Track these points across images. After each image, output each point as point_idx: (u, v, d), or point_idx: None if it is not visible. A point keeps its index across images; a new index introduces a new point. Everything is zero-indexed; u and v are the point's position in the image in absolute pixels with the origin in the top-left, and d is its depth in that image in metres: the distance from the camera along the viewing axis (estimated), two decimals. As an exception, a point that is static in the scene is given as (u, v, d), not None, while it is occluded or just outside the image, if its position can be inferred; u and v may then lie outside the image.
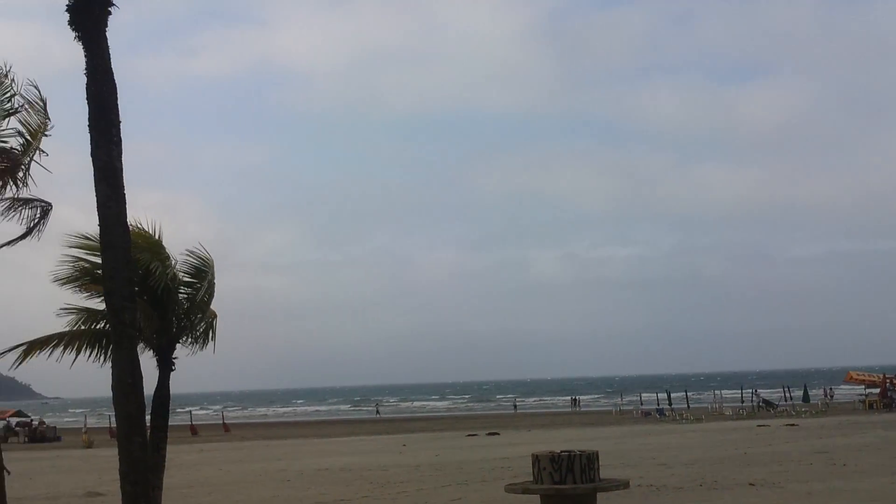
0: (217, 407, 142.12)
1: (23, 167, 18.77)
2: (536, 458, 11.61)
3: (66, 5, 12.10)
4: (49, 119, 19.16)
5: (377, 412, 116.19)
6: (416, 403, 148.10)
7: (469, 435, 54.97)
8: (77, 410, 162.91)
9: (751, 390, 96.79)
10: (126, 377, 12.09)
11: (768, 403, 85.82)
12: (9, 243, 19.45)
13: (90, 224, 16.49)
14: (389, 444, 48.16)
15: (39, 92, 18.80)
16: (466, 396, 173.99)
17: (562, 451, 11.55)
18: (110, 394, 12.57)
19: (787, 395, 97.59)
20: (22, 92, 18.80)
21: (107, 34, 12.16)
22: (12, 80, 18.78)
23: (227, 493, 27.12)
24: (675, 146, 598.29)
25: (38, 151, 18.92)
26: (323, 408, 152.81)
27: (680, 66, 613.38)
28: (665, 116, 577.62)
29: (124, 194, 12.21)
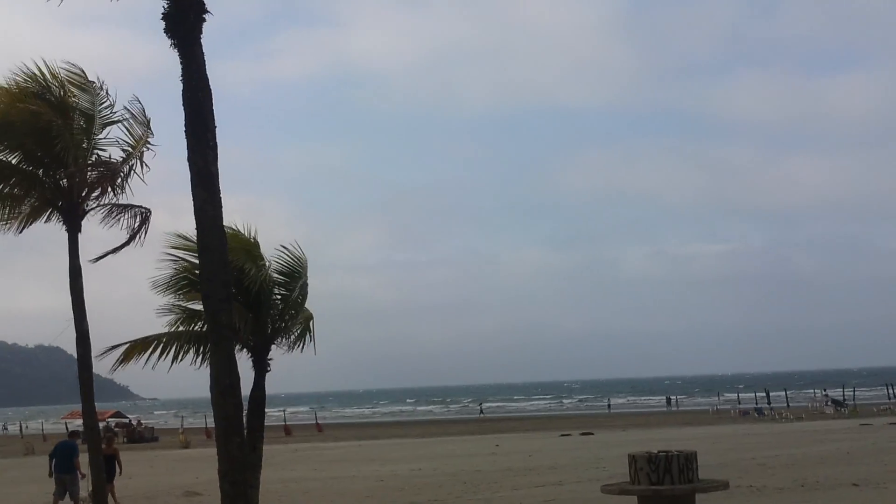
0: (304, 408, 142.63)
1: (120, 175, 19.26)
2: (633, 459, 11.46)
3: (162, 14, 12.30)
4: (152, 133, 19.62)
5: (481, 411, 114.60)
6: (505, 404, 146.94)
7: (562, 435, 54.59)
8: (172, 411, 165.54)
9: (820, 391, 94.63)
10: (224, 378, 12.25)
11: (837, 403, 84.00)
12: (113, 251, 19.95)
13: (178, 227, 16.86)
14: (481, 445, 47.95)
15: (143, 107, 19.33)
16: (550, 396, 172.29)
17: (659, 452, 11.39)
18: (205, 395, 12.75)
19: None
20: (126, 105, 19.38)
21: (201, 41, 12.35)
22: (107, 91, 19.34)
23: (322, 492, 27.34)
24: (763, 139, 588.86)
25: (139, 162, 19.43)
26: (412, 408, 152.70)
27: (766, 56, 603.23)
28: (751, 108, 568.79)
29: (220, 198, 12.36)
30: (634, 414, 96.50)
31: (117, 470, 26.12)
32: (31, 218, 19.46)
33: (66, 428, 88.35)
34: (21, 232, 19.51)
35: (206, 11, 12.33)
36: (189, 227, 18.99)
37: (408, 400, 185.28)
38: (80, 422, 73.42)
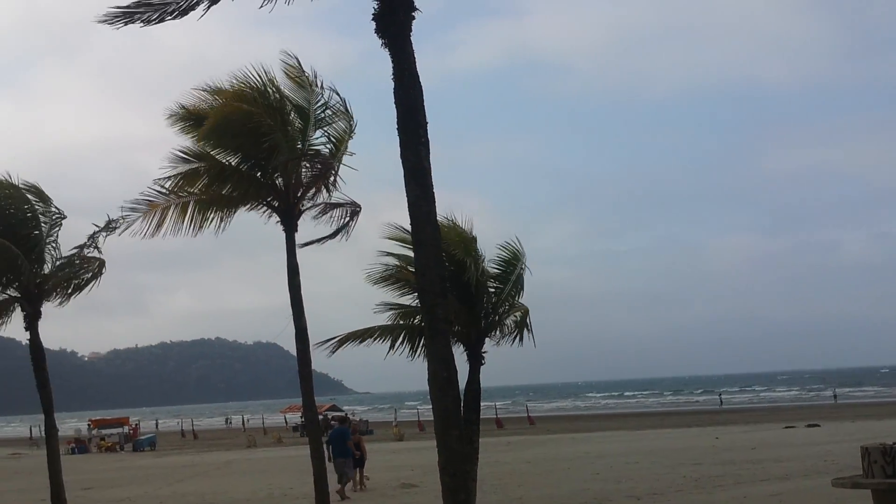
0: (506, 401, 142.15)
1: (333, 171, 19.69)
2: (866, 451, 10.93)
3: (372, 14, 12.46)
4: (354, 125, 20.02)
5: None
6: (731, 396, 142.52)
7: (786, 427, 52.62)
8: (385, 405, 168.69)
9: None
10: (441, 371, 12.31)
11: None
12: (318, 241, 20.46)
13: (380, 223, 17.13)
14: (700, 437, 46.90)
15: (342, 99, 19.70)
16: (762, 388, 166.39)
17: (894, 443, 10.83)
18: (417, 388, 12.88)
19: None
20: (329, 100, 19.78)
21: (411, 39, 12.46)
22: (321, 85, 19.77)
23: (537, 485, 27.31)
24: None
25: (343, 156, 19.85)
26: (623, 400, 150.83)
27: None
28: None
29: (433, 193, 12.44)
30: (864, 404, 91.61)
31: (363, 455, 28.31)
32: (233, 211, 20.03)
33: (286, 421, 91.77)
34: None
35: (414, 9, 12.41)
36: (376, 221, 19.53)
37: (625, 392, 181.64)
38: (299, 415, 75.67)
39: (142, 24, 13.12)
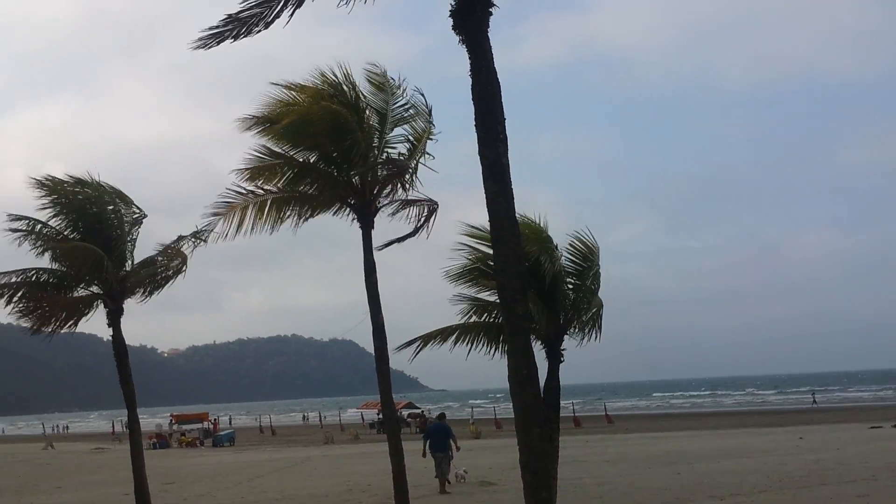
0: (578, 399, 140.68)
1: (409, 171, 19.67)
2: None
3: (450, 10, 12.39)
4: (433, 125, 19.97)
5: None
6: (795, 395, 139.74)
7: (872, 427, 51.40)
8: (460, 403, 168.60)
9: None
10: (522, 368, 12.21)
11: None
12: (398, 240, 20.46)
13: (446, 221, 17.08)
14: (783, 438, 45.95)
15: (425, 99, 19.66)
16: (843, 387, 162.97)
17: None
18: (493, 386, 12.83)
19: None
20: (410, 99, 19.77)
21: (488, 34, 12.37)
22: (404, 89, 19.77)
23: (617, 484, 27.10)
24: None
25: (423, 154, 19.81)
26: (700, 399, 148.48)
27: None
28: None
29: (512, 190, 12.34)
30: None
31: (454, 448, 28.41)
32: (318, 213, 20.12)
33: (362, 418, 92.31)
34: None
35: (492, 4, 12.32)
36: (441, 219, 19.47)
37: (703, 391, 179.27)
38: (375, 412, 76.02)
39: (231, 41, 13.24)
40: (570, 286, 16.98)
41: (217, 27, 13.06)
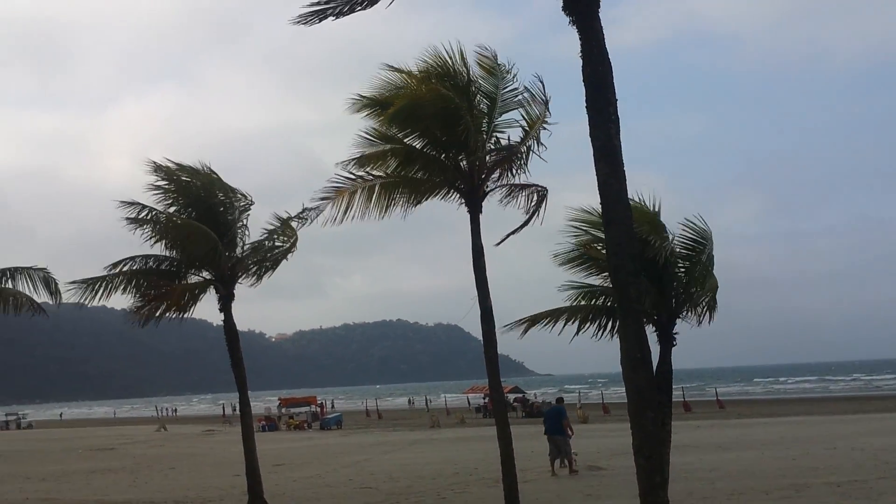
0: (687, 384, 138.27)
1: (520, 156, 19.56)
2: None
3: (561, -9, 12.34)
4: (549, 113, 19.77)
5: None
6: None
7: None
8: (565, 387, 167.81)
9: None
10: (635, 352, 12.11)
11: None
12: (513, 232, 20.39)
13: (561, 204, 16.92)
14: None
15: (544, 87, 19.47)
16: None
17: None
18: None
19: None
20: (527, 84, 19.60)
21: (599, 15, 12.26)
22: (514, 75, 19.63)
23: (730, 470, 26.72)
24: None
25: (535, 141, 19.66)
26: (816, 384, 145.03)
27: None
28: None
29: (624, 172, 12.23)
30: None
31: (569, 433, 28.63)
32: (424, 199, 20.14)
33: (468, 402, 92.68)
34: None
35: (604, -15, 12.24)
36: (555, 204, 19.30)
37: (823, 376, 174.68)
38: (481, 396, 76.35)
39: (333, 18, 13.35)
40: (683, 268, 16.74)
41: (319, 3, 13.16)
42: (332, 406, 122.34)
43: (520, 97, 19.41)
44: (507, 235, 20.07)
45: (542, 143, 19.44)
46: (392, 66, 18.67)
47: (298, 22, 13.22)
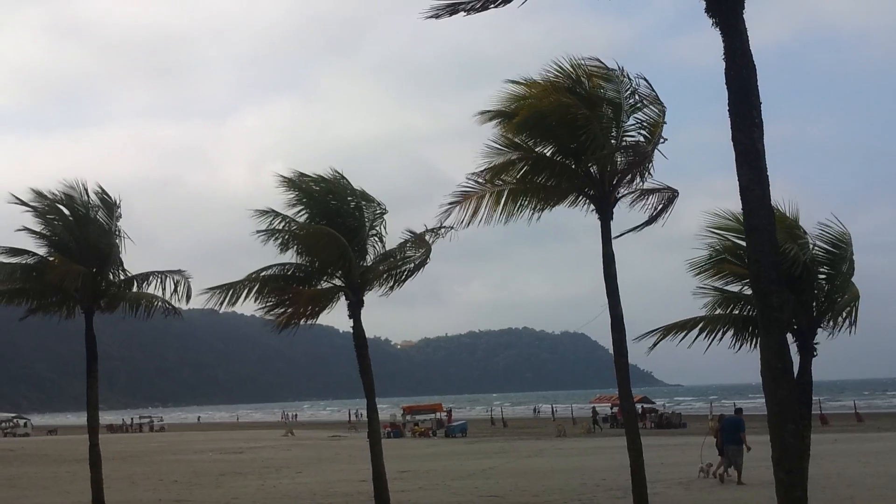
0: (823, 396, 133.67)
1: (648, 159, 19.30)
2: None
3: (705, -7, 12.13)
4: (665, 107, 19.53)
5: None
6: None
7: None
8: (695, 398, 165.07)
9: None
10: (776, 363, 11.77)
11: None
12: (634, 229, 20.14)
13: (690, 210, 16.55)
14: None
15: (650, 84, 19.23)
16: None
17: None
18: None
19: None
20: (643, 87, 19.37)
21: (744, 17, 11.99)
22: (629, 77, 19.39)
23: (868, 485, 25.92)
24: None
25: (660, 141, 19.39)
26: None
27: None
28: None
29: (767, 177, 11.93)
30: None
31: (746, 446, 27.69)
32: (553, 205, 20.04)
33: (594, 412, 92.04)
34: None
35: (750, -16, 11.95)
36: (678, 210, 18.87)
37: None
38: (608, 406, 75.62)
39: (465, 14, 13.32)
40: (823, 276, 16.24)
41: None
42: (451, 414, 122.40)
43: (639, 101, 19.23)
44: (627, 231, 19.90)
45: (664, 138, 19.23)
46: (514, 81, 18.73)
47: (429, 16, 13.24)
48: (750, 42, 12.05)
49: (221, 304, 23.10)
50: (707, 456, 30.24)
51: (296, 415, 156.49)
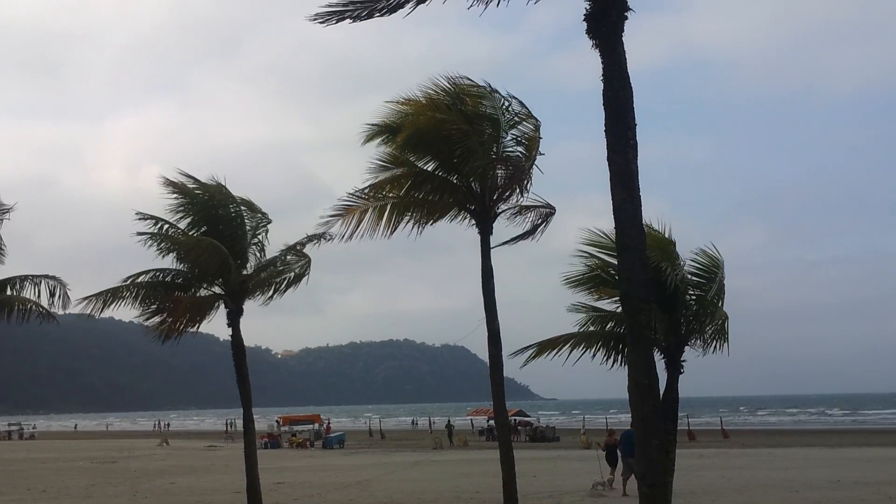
0: (691, 412, 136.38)
1: (526, 174, 19.62)
2: None
3: (584, 15, 12.34)
4: (539, 121, 19.92)
5: None
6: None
7: None
8: (567, 412, 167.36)
9: None
10: (643, 378, 12.07)
11: None
12: (509, 241, 20.45)
13: (568, 227, 16.89)
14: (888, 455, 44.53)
15: (520, 102, 19.61)
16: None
17: None
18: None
19: None
20: (516, 104, 19.73)
21: (623, 40, 12.27)
22: (498, 93, 19.71)
23: (732, 500, 26.55)
24: None
25: (537, 157, 19.77)
26: (818, 416, 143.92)
27: None
28: None
29: (640, 197, 12.22)
30: None
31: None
32: (436, 220, 20.22)
33: (472, 425, 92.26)
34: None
35: (627, 9, 12.25)
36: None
37: (823, 409, 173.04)
38: (485, 419, 75.98)
39: (350, 21, 13.33)
40: (693, 297, 16.65)
41: (337, 6, 13.14)
42: (329, 425, 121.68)
43: (513, 116, 19.57)
44: (504, 242, 20.20)
45: (542, 153, 19.59)
46: (395, 101, 19.01)
47: (314, 20, 13.18)
48: (630, 61, 12.33)
49: (101, 311, 22.66)
50: (605, 469, 30.65)
51: (168, 424, 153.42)
